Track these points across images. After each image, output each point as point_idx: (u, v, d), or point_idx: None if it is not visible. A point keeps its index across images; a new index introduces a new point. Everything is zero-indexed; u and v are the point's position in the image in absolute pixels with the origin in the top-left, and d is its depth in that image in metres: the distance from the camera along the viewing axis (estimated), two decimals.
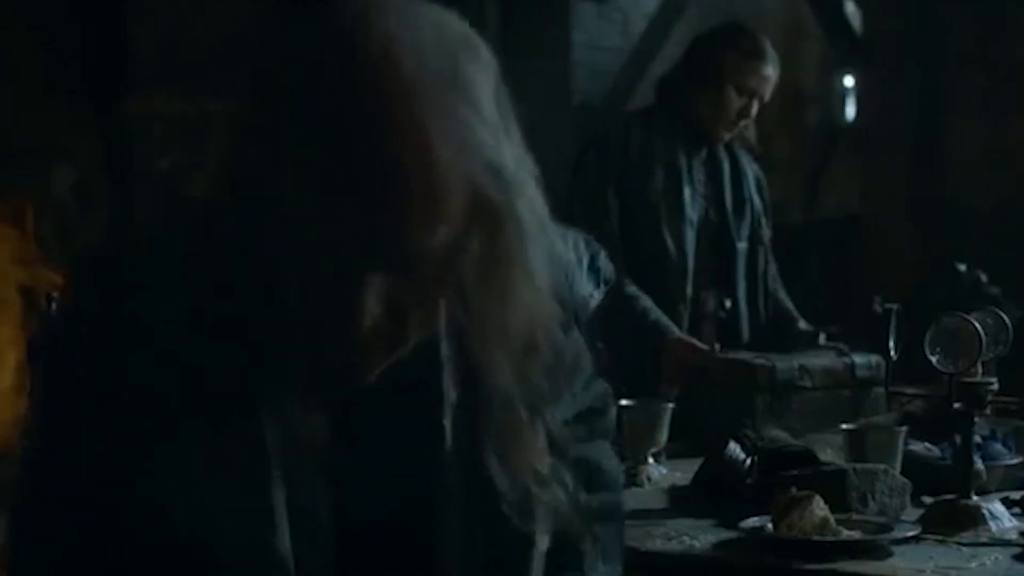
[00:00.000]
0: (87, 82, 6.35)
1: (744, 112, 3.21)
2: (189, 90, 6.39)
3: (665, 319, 3.04)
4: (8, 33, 6.07)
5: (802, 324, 3.23)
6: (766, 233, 3.32)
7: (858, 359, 2.92)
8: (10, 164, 6.13)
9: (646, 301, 3.05)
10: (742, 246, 3.25)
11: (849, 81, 6.79)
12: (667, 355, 2.95)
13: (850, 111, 6.91)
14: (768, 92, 3.23)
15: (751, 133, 3.36)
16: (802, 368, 2.87)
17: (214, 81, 6.66)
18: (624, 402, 2.53)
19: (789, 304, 3.33)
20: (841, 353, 2.99)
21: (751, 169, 3.37)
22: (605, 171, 3.18)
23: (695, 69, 3.25)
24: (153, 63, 6.40)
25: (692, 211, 3.18)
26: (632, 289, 3.06)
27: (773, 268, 3.37)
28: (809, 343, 3.10)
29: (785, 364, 2.86)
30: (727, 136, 3.26)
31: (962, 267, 3.18)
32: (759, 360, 2.84)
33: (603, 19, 6.68)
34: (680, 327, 3.13)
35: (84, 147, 6.40)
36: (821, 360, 2.93)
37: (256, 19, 6.44)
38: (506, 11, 6.72)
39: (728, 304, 3.17)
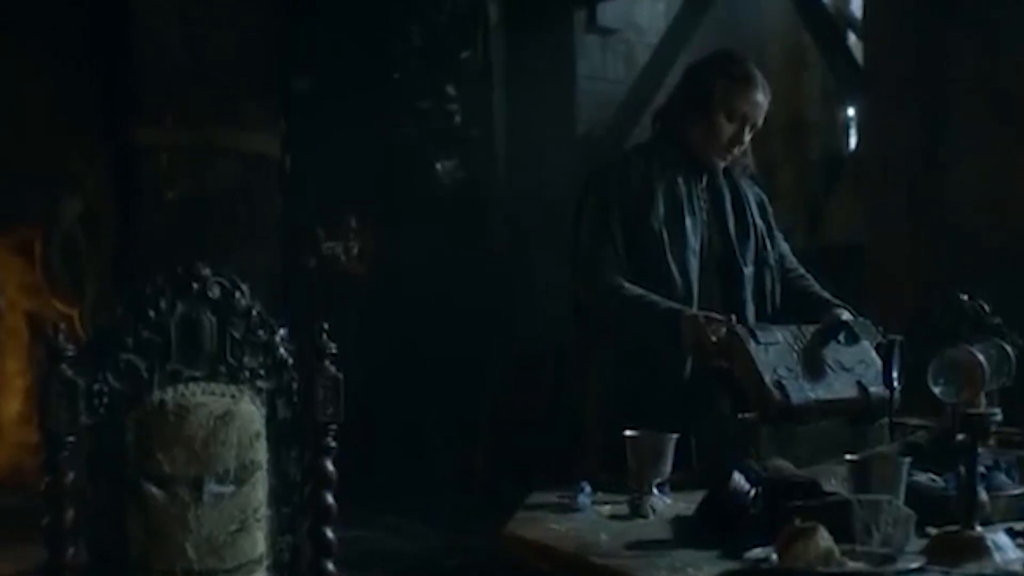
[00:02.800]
0: (95, 112, 6.39)
1: (736, 138, 3.22)
2: (196, 121, 6.45)
3: (676, 305, 3.04)
4: (17, 63, 6.11)
5: (838, 308, 3.19)
6: (772, 255, 3.32)
7: (873, 389, 2.91)
8: (18, 193, 6.17)
9: (652, 296, 3.06)
10: (748, 270, 3.25)
11: (851, 111, 6.82)
12: (687, 332, 2.95)
13: (852, 141, 6.94)
14: (759, 118, 3.25)
15: (750, 160, 3.37)
16: (819, 401, 2.85)
17: (221, 112, 6.72)
18: (629, 433, 2.55)
19: (824, 293, 3.29)
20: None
21: (752, 193, 3.38)
22: (608, 201, 3.20)
23: (687, 98, 3.28)
24: (161, 94, 6.44)
25: (695, 239, 3.19)
26: (638, 289, 3.07)
27: (798, 269, 3.37)
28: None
29: (800, 396, 2.84)
30: (721, 163, 3.27)
31: (964, 297, 3.19)
32: (775, 390, 2.82)
33: (607, 51, 6.72)
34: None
35: (92, 176, 6.44)
36: (840, 391, 2.91)
37: (260, 52, 6.49)
38: (511, 43, 6.77)
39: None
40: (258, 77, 6.84)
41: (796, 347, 2.92)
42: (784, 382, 2.83)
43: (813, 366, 2.90)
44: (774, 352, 2.88)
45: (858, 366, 2.93)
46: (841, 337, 2.94)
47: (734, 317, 2.94)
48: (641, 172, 3.20)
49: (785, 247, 3.40)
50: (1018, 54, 4.59)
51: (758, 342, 2.88)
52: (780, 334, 2.93)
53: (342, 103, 7.29)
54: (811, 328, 2.98)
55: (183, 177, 6.59)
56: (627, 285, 3.07)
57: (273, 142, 7.12)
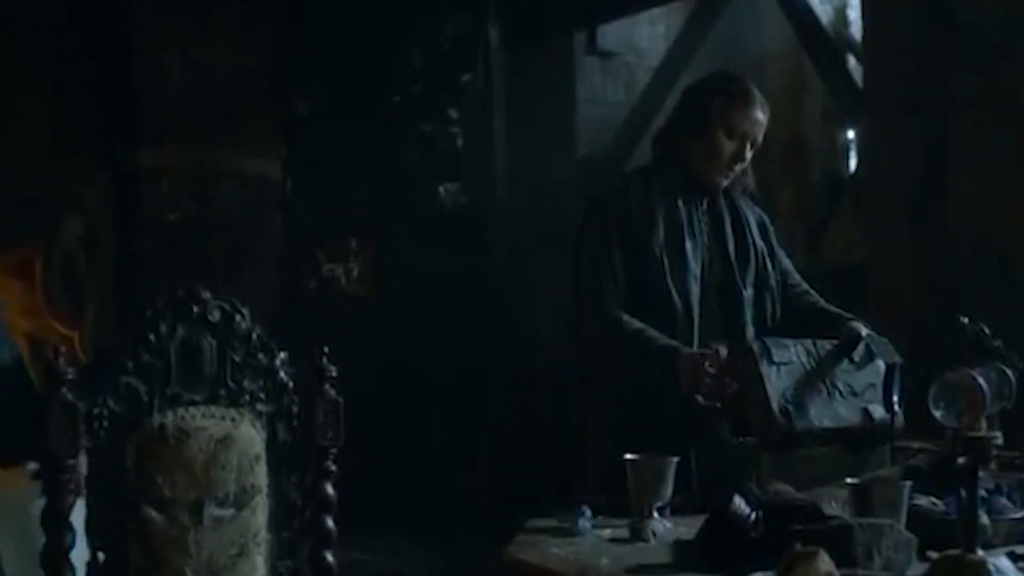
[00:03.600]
0: (96, 135, 6.40)
1: (737, 156, 3.23)
2: (196, 144, 6.46)
3: (673, 342, 3.04)
4: (19, 85, 6.12)
5: (853, 323, 3.17)
6: (772, 276, 3.31)
7: (877, 416, 2.90)
8: (19, 215, 6.17)
9: (651, 331, 3.06)
10: (748, 293, 3.25)
11: (851, 133, 6.84)
12: (684, 372, 2.94)
13: (852, 163, 6.95)
14: (759, 135, 3.25)
15: (750, 180, 3.37)
16: (822, 429, 2.83)
17: (222, 135, 6.73)
18: (629, 456, 2.54)
19: (834, 308, 3.27)
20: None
21: (752, 214, 3.38)
22: (607, 227, 3.20)
23: (686, 118, 3.28)
24: (161, 117, 6.46)
25: (695, 262, 3.19)
26: (636, 324, 3.07)
27: (802, 285, 3.37)
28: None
29: (804, 424, 2.82)
30: (724, 182, 3.28)
31: (965, 320, 3.19)
32: (780, 417, 2.81)
33: (607, 74, 6.74)
34: None
35: (92, 198, 6.45)
36: (845, 418, 2.89)
37: (261, 74, 6.50)
38: (512, 66, 6.78)
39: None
40: (259, 99, 6.85)
41: (809, 365, 2.90)
42: (790, 408, 2.82)
43: (823, 388, 2.89)
44: (786, 373, 2.86)
45: (868, 390, 2.91)
46: (857, 355, 2.93)
47: (723, 350, 2.92)
48: (641, 196, 3.20)
49: (788, 264, 3.39)
50: (1018, 76, 4.60)
51: (771, 361, 2.86)
52: (794, 351, 2.91)
53: (343, 126, 7.31)
54: (827, 344, 2.97)
55: (183, 199, 6.60)
56: (626, 320, 3.06)
57: (274, 164, 7.13)
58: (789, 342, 2.93)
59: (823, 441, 2.81)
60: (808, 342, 2.95)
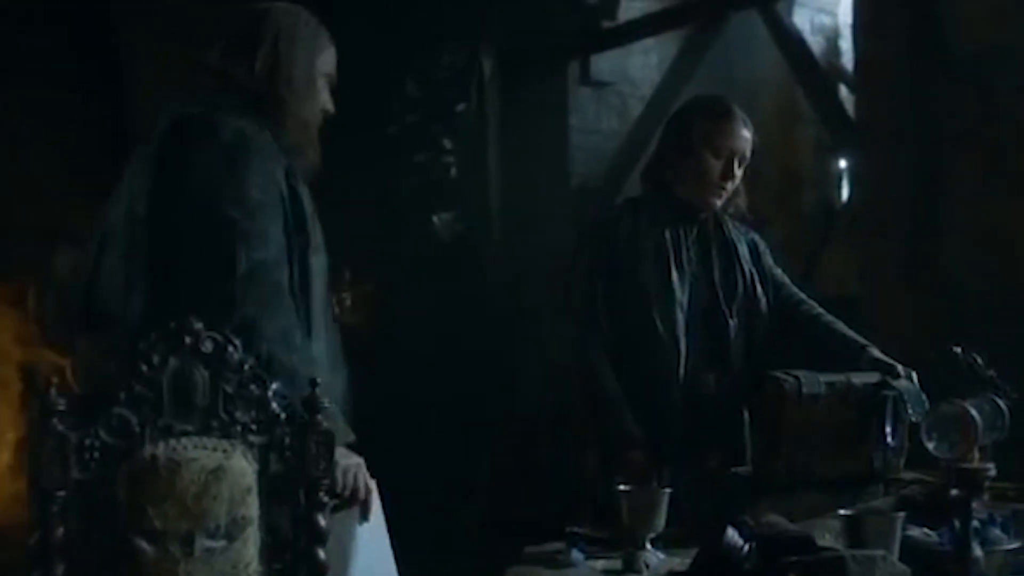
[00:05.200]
0: (89, 163, 6.40)
1: (726, 175, 3.24)
2: None
3: (632, 430, 3.07)
4: (12, 115, 6.13)
5: (875, 351, 3.15)
6: (763, 303, 3.31)
7: (876, 464, 2.89)
8: (12, 244, 6.17)
9: (622, 411, 3.08)
10: (734, 322, 3.26)
11: (843, 163, 6.85)
12: (625, 467, 2.97)
13: (846, 193, 6.96)
14: (746, 150, 3.26)
15: (743, 200, 3.38)
16: (819, 477, 2.81)
17: None
18: (622, 487, 2.54)
19: (858, 337, 3.26)
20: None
21: (745, 239, 3.39)
22: (595, 260, 3.22)
23: (671, 146, 3.30)
24: None
25: (681, 293, 3.20)
26: (611, 386, 3.10)
27: (807, 301, 3.36)
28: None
29: (804, 473, 2.80)
30: (717, 202, 3.28)
31: (958, 350, 3.19)
32: (783, 468, 2.79)
33: (601, 103, 6.76)
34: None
35: (86, 228, 6.45)
36: (847, 468, 2.87)
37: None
38: (505, 97, 6.80)
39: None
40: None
41: (834, 408, 2.87)
42: (796, 458, 2.81)
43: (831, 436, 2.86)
44: (808, 409, 2.84)
45: (880, 435, 2.91)
46: (888, 416, 2.90)
47: (666, 474, 2.85)
48: (628, 229, 3.22)
49: (786, 281, 3.40)
50: (1012, 106, 4.62)
51: (800, 397, 2.84)
52: (823, 389, 2.87)
53: (337, 155, 7.30)
54: (860, 382, 2.94)
55: None
56: (605, 381, 3.10)
57: None
58: (821, 379, 2.88)
59: (818, 489, 2.80)
60: (842, 380, 2.91)
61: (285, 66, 2.71)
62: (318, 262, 2.68)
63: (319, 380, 2.24)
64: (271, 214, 2.54)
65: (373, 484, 2.53)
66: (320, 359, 2.56)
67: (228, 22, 2.77)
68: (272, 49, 2.71)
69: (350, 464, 2.50)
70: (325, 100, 2.82)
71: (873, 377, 2.95)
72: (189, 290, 2.45)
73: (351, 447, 2.55)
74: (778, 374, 2.84)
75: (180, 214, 2.53)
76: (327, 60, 2.80)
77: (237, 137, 2.55)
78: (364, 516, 2.49)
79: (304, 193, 2.66)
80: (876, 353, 3.13)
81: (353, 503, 2.48)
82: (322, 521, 2.23)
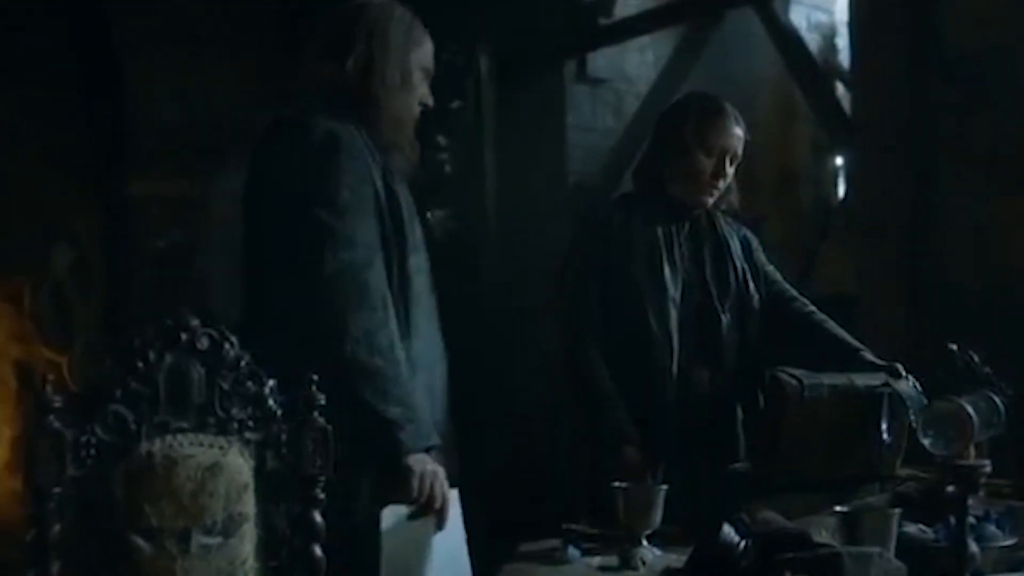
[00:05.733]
0: (87, 163, 6.40)
1: (718, 172, 3.24)
2: (187, 172, 6.45)
3: (627, 427, 3.06)
4: (10, 114, 6.12)
5: (868, 354, 3.15)
6: (755, 300, 3.32)
7: (874, 463, 2.89)
8: (9, 242, 6.16)
9: (617, 409, 3.08)
10: (727, 319, 3.26)
11: (840, 161, 6.85)
12: (621, 465, 2.96)
13: (842, 191, 6.96)
14: (738, 148, 3.26)
15: (735, 197, 3.38)
16: (815, 478, 2.81)
17: (211, 164, 6.72)
18: (618, 484, 2.54)
19: (852, 340, 3.26)
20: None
21: (737, 235, 3.39)
22: (588, 256, 3.22)
23: (663, 145, 3.30)
24: (152, 145, 6.45)
25: (674, 289, 3.20)
26: (608, 389, 3.10)
27: (800, 299, 3.36)
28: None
29: (801, 475, 2.79)
30: (709, 200, 3.29)
31: (954, 348, 3.19)
32: (782, 471, 2.79)
33: (597, 101, 6.75)
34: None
35: (83, 227, 6.44)
36: (846, 469, 2.87)
37: (251, 104, 6.50)
38: (501, 94, 6.80)
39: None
40: (250, 129, 6.85)
41: (835, 410, 2.88)
42: (795, 459, 2.81)
43: (829, 437, 2.86)
44: (809, 409, 2.84)
45: (876, 432, 2.91)
46: (884, 413, 2.91)
47: (660, 472, 2.85)
48: (621, 224, 3.22)
49: (778, 277, 3.40)
50: (1007, 106, 4.62)
51: (802, 398, 2.84)
52: (827, 389, 2.87)
53: None
54: (862, 384, 2.93)
55: (174, 228, 6.58)
56: (599, 378, 3.09)
57: None
58: (823, 379, 2.88)
59: (815, 488, 2.79)
60: (844, 380, 2.91)
61: (379, 64, 2.70)
62: (417, 261, 2.65)
63: (403, 381, 2.29)
64: (362, 215, 2.52)
65: (453, 493, 2.49)
66: (420, 359, 2.56)
67: (325, 22, 2.77)
68: (366, 48, 2.70)
69: (427, 471, 2.43)
70: (423, 94, 2.82)
71: (876, 379, 2.96)
72: (278, 291, 2.47)
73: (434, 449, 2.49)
74: (780, 375, 2.84)
75: (270, 215, 2.55)
76: (423, 54, 2.79)
77: (327, 138, 2.54)
78: (439, 525, 2.45)
79: (402, 192, 2.65)
80: (870, 356, 3.13)
81: (428, 511, 2.44)
82: (318, 518, 2.23)
